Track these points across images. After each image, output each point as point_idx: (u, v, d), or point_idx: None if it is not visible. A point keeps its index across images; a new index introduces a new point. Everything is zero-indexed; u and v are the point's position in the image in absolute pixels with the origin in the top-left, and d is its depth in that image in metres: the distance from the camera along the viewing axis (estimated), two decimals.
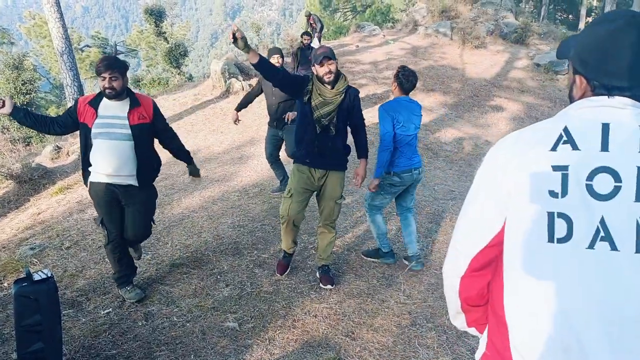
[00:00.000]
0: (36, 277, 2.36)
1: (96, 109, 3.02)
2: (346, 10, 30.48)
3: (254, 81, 10.21)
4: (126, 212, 3.22)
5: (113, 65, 2.95)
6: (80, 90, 13.11)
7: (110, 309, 3.26)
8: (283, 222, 3.50)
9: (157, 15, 20.85)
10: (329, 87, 3.17)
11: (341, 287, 3.55)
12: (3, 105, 2.90)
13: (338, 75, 3.19)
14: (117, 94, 3.00)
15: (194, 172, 3.73)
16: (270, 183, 5.76)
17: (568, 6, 31.99)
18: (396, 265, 3.90)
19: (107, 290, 3.49)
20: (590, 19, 31.11)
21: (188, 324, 3.08)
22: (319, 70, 3.13)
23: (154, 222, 3.42)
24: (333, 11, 29.29)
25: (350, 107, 3.30)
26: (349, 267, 3.88)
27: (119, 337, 2.95)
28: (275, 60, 4.86)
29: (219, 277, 3.69)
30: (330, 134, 3.25)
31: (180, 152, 3.57)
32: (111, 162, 3.04)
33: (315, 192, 3.48)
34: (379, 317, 3.18)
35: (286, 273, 3.72)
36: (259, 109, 9.12)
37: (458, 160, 6.97)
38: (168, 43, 21.17)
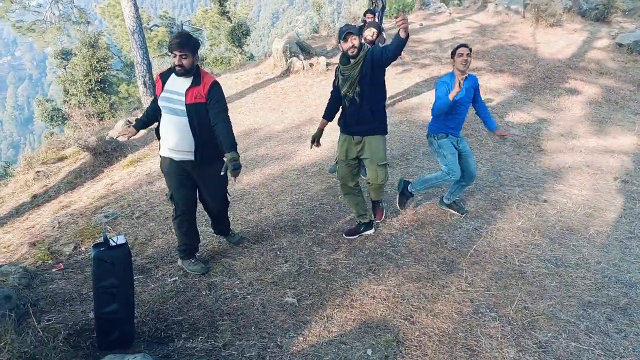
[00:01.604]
0: (112, 242, 2.50)
1: (164, 83, 3.15)
2: None
3: (314, 60, 10.18)
4: (200, 188, 3.33)
5: (184, 44, 3.02)
6: (149, 68, 13.66)
7: (177, 277, 3.41)
8: (341, 184, 3.91)
9: None
10: (348, 62, 3.44)
11: (400, 270, 3.50)
12: (134, 134, 3.32)
13: (360, 48, 3.39)
14: (186, 72, 3.07)
15: (232, 166, 2.93)
16: (328, 163, 5.75)
17: None
18: (458, 252, 3.78)
19: (174, 260, 3.66)
20: None
21: (249, 297, 3.17)
22: (343, 45, 3.38)
23: (229, 194, 3.53)
24: None
25: (371, 62, 3.39)
26: (408, 250, 3.81)
27: (185, 304, 3.09)
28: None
29: (278, 252, 3.76)
30: (356, 104, 3.51)
31: (221, 135, 3.08)
32: (172, 136, 3.16)
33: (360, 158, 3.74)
34: (439, 303, 3.11)
35: (354, 237, 3.98)
36: (319, 88, 9.10)
37: (527, 146, 6.59)
38: (231, 22, 21.56)
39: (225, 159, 3.01)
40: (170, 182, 3.29)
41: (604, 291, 3.28)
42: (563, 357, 2.62)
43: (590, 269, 3.57)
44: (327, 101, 3.83)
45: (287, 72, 9.83)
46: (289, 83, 9.34)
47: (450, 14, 15.97)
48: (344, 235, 3.99)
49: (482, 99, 4.14)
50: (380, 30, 5.88)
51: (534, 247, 3.89)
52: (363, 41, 3.65)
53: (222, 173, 2.95)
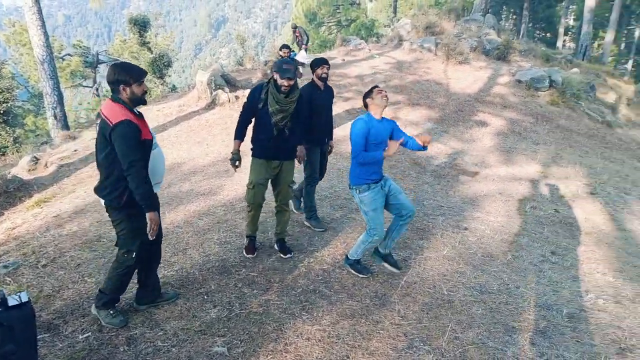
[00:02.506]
0: (11, 301, 2.19)
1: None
2: (331, 24, 30.73)
3: (240, 93, 10.11)
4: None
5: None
6: (61, 99, 12.81)
7: (90, 333, 3.07)
8: (250, 210, 4.06)
9: (141, 25, 20.67)
10: (283, 95, 3.72)
11: (334, 308, 3.44)
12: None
13: (294, 88, 3.80)
14: None
15: None
16: None
17: (546, 25, 32.82)
18: (389, 284, 3.80)
19: (86, 312, 3.30)
20: (567, 38, 32.01)
21: (174, 349, 2.92)
22: (280, 81, 3.67)
23: None
24: (318, 25, 29.48)
25: (297, 110, 3.88)
26: (341, 285, 3.77)
27: None
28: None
29: (205, 297, 3.54)
30: (285, 136, 3.84)
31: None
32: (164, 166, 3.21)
33: (270, 179, 4.05)
34: (374, 340, 3.07)
35: (286, 255, 4.18)
36: None
37: (446, 175, 6.95)
38: (152, 53, 20.96)
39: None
40: (141, 223, 2.96)
41: (525, 315, 3.45)
42: None
43: (511, 294, 3.75)
44: (239, 121, 3.92)
45: (212, 105, 9.64)
46: (214, 116, 9.15)
47: (369, 50, 16.75)
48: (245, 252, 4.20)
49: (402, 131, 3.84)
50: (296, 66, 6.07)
51: (459, 275, 4.02)
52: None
53: None
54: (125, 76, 2.77)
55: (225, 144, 7.79)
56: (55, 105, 12.34)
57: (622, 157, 9.47)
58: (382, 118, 3.63)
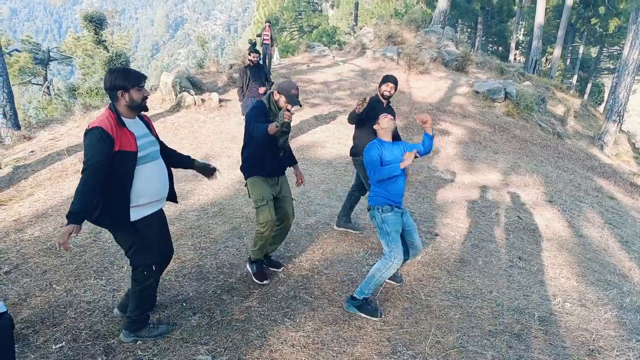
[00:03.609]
0: None
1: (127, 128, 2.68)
2: (293, 29, 30.81)
3: (206, 96, 9.93)
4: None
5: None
6: (11, 96, 12.10)
7: (64, 343, 2.91)
8: (265, 229, 3.56)
9: (97, 23, 19.92)
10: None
11: (316, 314, 3.43)
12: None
13: None
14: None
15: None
16: (229, 202, 5.54)
17: (499, 39, 34.38)
18: None
19: (58, 322, 3.13)
20: (518, 52, 33.64)
21: (155, 359, 2.82)
22: (287, 105, 3.47)
23: None
24: (280, 30, 29.47)
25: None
26: (321, 291, 3.77)
27: None
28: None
29: (184, 304, 3.44)
30: (286, 154, 3.82)
31: None
32: (161, 183, 2.91)
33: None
34: (358, 345, 3.09)
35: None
36: (213, 124, 8.86)
37: (414, 182, 7.11)
38: (108, 52, 20.24)
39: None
40: (148, 237, 2.82)
41: (500, 319, 3.58)
42: None
43: (485, 298, 3.88)
44: (259, 127, 3.47)
45: (177, 107, 9.41)
46: (180, 119, 8.94)
47: (334, 57, 16.94)
48: (255, 279, 3.81)
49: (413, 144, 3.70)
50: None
51: (435, 280, 4.12)
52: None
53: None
54: (123, 81, 2.61)
55: (194, 147, 7.62)
56: (4, 103, 11.62)
57: (573, 167, 10.04)
58: (394, 142, 3.60)
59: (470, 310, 3.65)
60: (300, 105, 3.64)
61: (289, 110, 3.30)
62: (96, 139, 2.51)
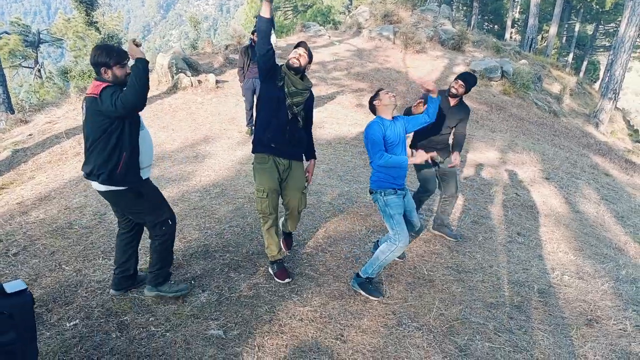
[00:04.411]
0: (9, 289, 2.09)
1: None
2: (287, 9, 30.40)
3: (203, 77, 9.86)
4: None
5: None
6: (3, 80, 12.02)
7: (77, 321, 2.98)
8: (265, 222, 3.45)
9: (88, 4, 19.57)
10: (298, 77, 3.28)
11: (322, 289, 3.51)
12: None
13: (304, 71, 3.33)
14: None
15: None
16: (231, 183, 5.58)
17: (494, 17, 34.10)
18: None
19: (70, 300, 3.19)
20: (514, 30, 33.41)
21: (168, 334, 2.89)
22: (291, 54, 3.27)
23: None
24: (274, 9, 29.04)
25: (308, 105, 3.47)
26: (326, 268, 3.85)
27: (93, 350, 2.70)
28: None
29: (193, 282, 3.51)
30: (298, 125, 3.38)
31: None
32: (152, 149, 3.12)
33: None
34: (365, 319, 3.18)
35: (289, 280, 3.59)
36: (210, 106, 8.83)
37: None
38: (100, 33, 19.95)
39: None
40: (153, 195, 3.08)
41: (501, 292, 3.68)
42: (482, 358, 2.86)
43: (486, 272, 3.98)
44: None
45: (173, 89, 9.36)
46: (178, 100, 8.90)
47: (329, 37, 16.78)
48: (277, 279, 3.59)
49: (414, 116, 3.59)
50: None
51: (436, 255, 4.21)
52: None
53: None
54: (106, 58, 2.69)
55: (192, 128, 7.62)
56: None
57: (569, 145, 10.12)
58: (393, 118, 3.42)
59: (471, 284, 3.75)
60: (304, 47, 3.31)
61: None
62: (118, 92, 2.65)
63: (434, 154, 3.48)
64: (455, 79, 4.15)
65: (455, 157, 4.22)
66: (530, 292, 3.71)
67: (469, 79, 4.07)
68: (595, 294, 3.77)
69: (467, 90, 4.11)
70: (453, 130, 4.41)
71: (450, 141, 4.46)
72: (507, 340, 3.04)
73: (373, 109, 3.45)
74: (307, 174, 3.61)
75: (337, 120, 8.79)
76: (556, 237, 4.95)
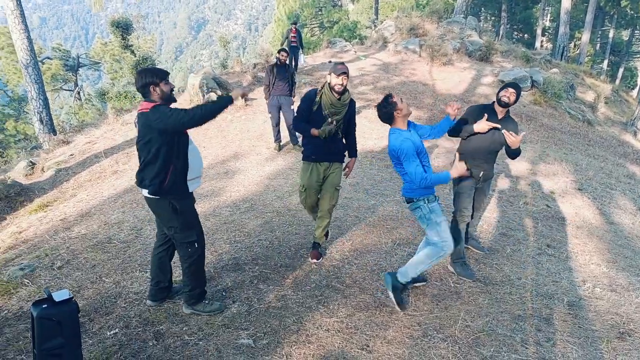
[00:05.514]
0: (58, 297, 2.27)
1: None
2: (314, 26, 30.94)
3: None
4: None
5: None
6: (46, 103, 12.67)
7: (117, 330, 3.16)
8: (304, 207, 4.27)
9: (124, 28, 20.50)
10: (337, 96, 3.77)
11: (348, 301, 3.59)
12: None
13: (345, 90, 3.82)
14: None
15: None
16: (259, 198, 5.75)
17: (524, 26, 33.62)
18: None
19: (110, 311, 3.38)
20: (544, 38, 32.84)
21: (201, 342, 3.03)
22: (334, 79, 3.72)
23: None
24: (301, 26, 29.61)
25: (350, 114, 3.98)
26: (352, 280, 3.92)
27: (132, 358, 2.86)
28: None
29: (224, 293, 3.65)
30: (337, 137, 3.96)
31: None
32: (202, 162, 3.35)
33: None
34: (390, 330, 3.23)
35: (319, 260, 4.20)
36: (239, 123, 9.10)
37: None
38: (135, 56, 20.82)
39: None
40: (189, 214, 3.20)
41: (529, 304, 3.65)
42: None
43: (513, 285, 3.96)
44: (299, 127, 3.95)
45: None
46: None
47: (355, 52, 16.99)
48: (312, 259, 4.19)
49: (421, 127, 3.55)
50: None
51: None
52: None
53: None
54: (152, 77, 2.96)
55: (222, 145, 7.88)
56: (41, 110, 12.19)
57: (604, 154, 9.86)
58: (408, 126, 3.36)
59: (498, 296, 3.74)
60: (346, 74, 3.70)
61: (332, 123, 3.76)
62: (168, 110, 2.85)
63: (466, 168, 3.30)
64: (504, 87, 3.90)
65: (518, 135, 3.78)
66: (560, 304, 3.66)
67: (518, 88, 3.87)
68: (629, 307, 3.69)
69: (517, 99, 3.87)
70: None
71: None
72: (534, 353, 3.03)
73: (390, 118, 3.27)
74: (346, 170, 4.19)
75: (363, 134, 8.88)
76: (588, 249, 4.86)
